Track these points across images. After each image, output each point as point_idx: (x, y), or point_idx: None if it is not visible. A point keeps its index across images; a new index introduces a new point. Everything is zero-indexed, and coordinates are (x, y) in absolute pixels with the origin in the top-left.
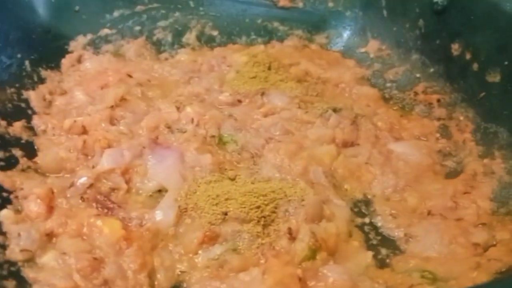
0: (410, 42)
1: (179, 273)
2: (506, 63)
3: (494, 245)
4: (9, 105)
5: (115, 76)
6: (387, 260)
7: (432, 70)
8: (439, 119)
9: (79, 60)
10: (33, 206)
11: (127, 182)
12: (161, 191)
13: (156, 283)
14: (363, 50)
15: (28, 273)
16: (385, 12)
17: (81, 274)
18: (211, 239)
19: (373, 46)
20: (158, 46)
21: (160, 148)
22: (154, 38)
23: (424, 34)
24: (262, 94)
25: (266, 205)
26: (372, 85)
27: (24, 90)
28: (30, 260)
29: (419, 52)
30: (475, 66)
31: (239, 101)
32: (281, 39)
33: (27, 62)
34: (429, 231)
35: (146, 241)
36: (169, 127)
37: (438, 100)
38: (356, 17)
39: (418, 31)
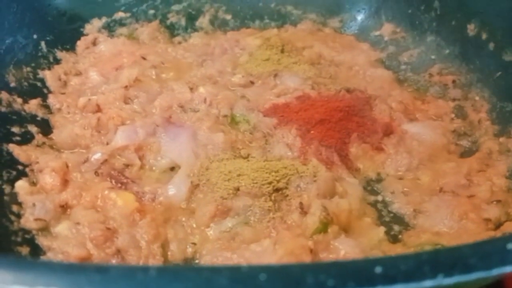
0: (425, 24)
1: (191, 244)
2: None
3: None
4: (25, 83)
5: (129, 58)
6: (399, 236)
7: (447, 51)
8: (454, 99)
9: (94, 43)
10: (48, 178)
11: (140, 159)
12: (174, 168)
13: (169, 253)
14: (377, 33)
15: (42, 241)
16: None
17: (94, 243)
18: (223, 212)
19: (387, 29)
20: (171, 30)
21: (173, 127)
22: (168, 21)
23: (440, 16)
24: (275, 75)
25: (278, 181)
26: (386, 68)
27: (40, 70)
28: (45, 230)
29: (435, 33)
30: (492, 45)
31: (252, 82)
32: (294, 23)
33: (43, 43)
34: (439, 207)
35: (159, 214)
36: (182, 107)
37: (453, 81)
38: (370, 0)
39: (434, 12)
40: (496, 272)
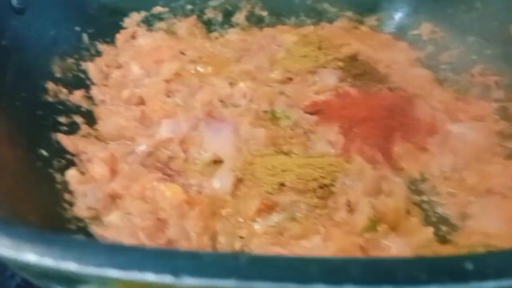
0: (466, 24)
1: (239, 238)
2: None
3: None
4: (69, 74)
5: (168, 52)
6: (448, 237)
7: (489, 51)
8: (497, 101)
9: (133, 36)
10: (98, 168)
11: (184, 152)
12: (216, 162)
13: (218, 246)
14: (415, 32)
15: (96, 230)
16: None
17: (145, 233)
18: (269, 207)
19: (426, 28)
20: (208, 25)
21: (215, 121)
22: (205, 17)
23: (481, 16)
24: (313, 72)
25: (324, 177)
26: (426, 67)
27: (82, 62)
28: (96, 219)
29: (476, 34)
30: None
31: (290, 79)
32: (330, 21)
33: (85, 35)
34: (487, 209)
35: (206, 206)
36: (222, 102)
37: (496, 82)
38: None
39: (475, 12)
40: None
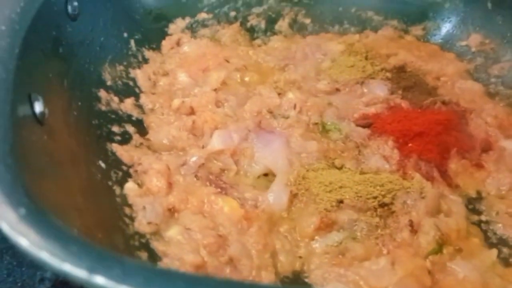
0: None
1: (298, 257)
2: None
3: None
4: (119, 82)
5: (214, 60)
6: (510, 259)
7: None
8: None
9: (178, 43)
10: (155, 181)
11: (235, 164)
12: (267, 174)
13: (279, 265)
14: (463, 43)
15: (157, 246)
16: (489, 4)
17: (207, 250)
18: (328, 225)
19: (475, 40)
20: (251, 33)
21: (264, 132)
22: (248, 24)
23: None
24: (362, 83)
25: (384, 196)
26: (475, 80)
27: (131, 69)
28: (156, 234)
29: None
30: None
31: (338, 89)
32: (375, 29)
33: (132, 42)
34: None
35: (264, 222)
36: (271, 112)
37: None
38: (456, 9)
39: None
40: None
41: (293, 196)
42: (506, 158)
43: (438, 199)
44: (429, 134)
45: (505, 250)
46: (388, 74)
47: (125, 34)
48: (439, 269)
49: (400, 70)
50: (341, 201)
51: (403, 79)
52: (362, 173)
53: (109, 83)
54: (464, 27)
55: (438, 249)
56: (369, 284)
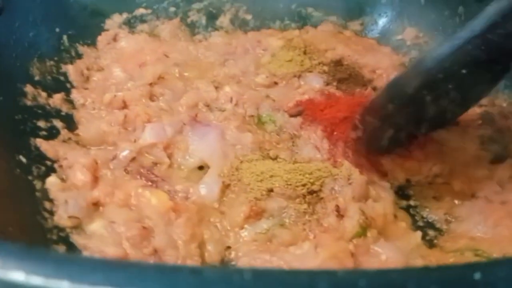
0: (449, 29)
1: (226, 247)
2: None
3: None
4: (49, 77)
5: (152, 55)
6: (435, 241)
7: None
8: (481, 106)
9: (115, 39)
10: (80, 175)
11: (169, 157)
12: (202, 167)
13: (206, 254)
14: (399, 37)
15: (77, 239)
16: (422, 0)
17: (130, 242)
18: (257, 214)
19: (409, 34)
20: (192, 28)
21: (200, 125)
22: (189, 20)
23: (464, 21)
24: (299, 76)
25: (312, 183)
26: None
27: (62, 64)
28: (78, 228)
29: None
30: None
31: (276, 83)
32: (315, 25)
33: (65, 37)
34: (472, 213)
35: (193, 214)
36: (208, 106)
37: None
38: (392, 4)
39: (458, 18)
40: None
41: (226, 187)
42: (435, 146)
43: (366, 185)
44: (352, 118)
45: (430, 232)
46: (325, 68)
47: (57, 30)
48: (362, 251)
49: (337, 63)
50: (271, 190)
51: (339, 71)
52: (294, 162)
53: (37, 78)
54: (399, 21)
55: (362, 232)
56: (292, 268)
